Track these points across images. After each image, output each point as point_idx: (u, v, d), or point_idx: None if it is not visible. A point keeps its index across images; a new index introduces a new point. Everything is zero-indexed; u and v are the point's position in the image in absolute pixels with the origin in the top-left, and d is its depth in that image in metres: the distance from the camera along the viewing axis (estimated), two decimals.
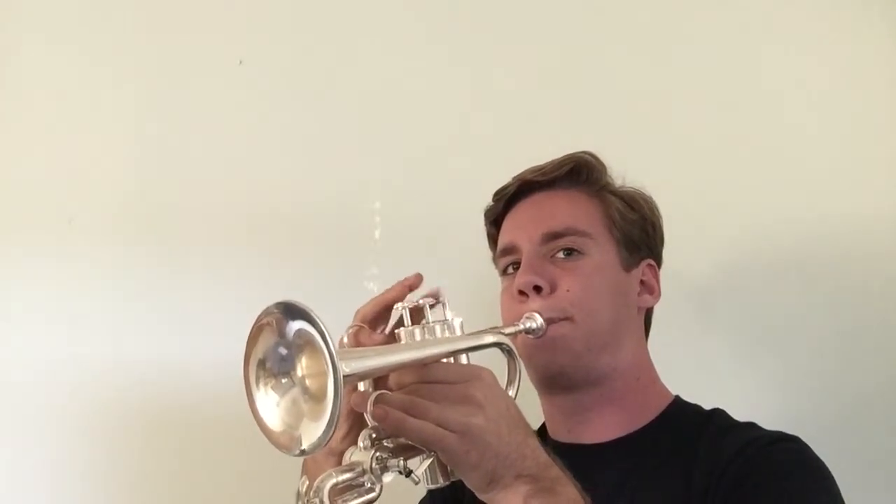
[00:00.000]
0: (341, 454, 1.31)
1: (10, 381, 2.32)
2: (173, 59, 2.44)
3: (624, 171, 1.77)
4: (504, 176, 1.79)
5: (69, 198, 2.39)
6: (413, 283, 1.47)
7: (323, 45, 2.40)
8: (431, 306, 1.40)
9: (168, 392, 2.28)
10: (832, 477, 1.49)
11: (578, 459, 1.43)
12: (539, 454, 1.31)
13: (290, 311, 1.13)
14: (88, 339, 2.32)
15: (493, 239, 1.82)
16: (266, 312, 1.16)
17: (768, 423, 1.60)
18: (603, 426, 1.66)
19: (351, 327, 1.44)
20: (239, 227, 2.35)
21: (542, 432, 1.74)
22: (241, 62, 2.40)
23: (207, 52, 2.44)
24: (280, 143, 2.39)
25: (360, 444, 1.25)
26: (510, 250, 1.72)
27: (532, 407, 1.68)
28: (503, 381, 1.42)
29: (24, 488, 2.28)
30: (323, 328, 1.10)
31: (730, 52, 2.23)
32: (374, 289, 2.28)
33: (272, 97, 2.41)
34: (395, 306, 1.40)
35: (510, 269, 1.72)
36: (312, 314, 1.11)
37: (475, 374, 1.31)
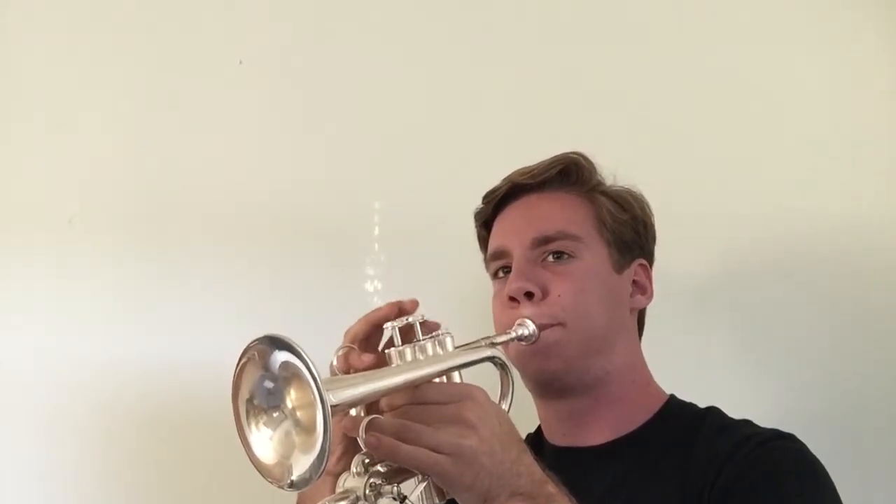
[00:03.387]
0: (336, 476, 1.31)
1: (8, 380, 2.32)
2: (173, 58, 2.43)
3: (617, 168, 1.77)
4: (502, 176, 1.78)
5: (69, 198, 2.38)
6: (407, 308, 1.44)
7: (323, 45, 2.39)
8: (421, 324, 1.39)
9: (167, 391, 2.28)
10: (828, 475, 1.50)
11: (575, 463, 1.45)
12: (534, 471, 1.31)
13: (274, 343, 1.13)
14: (87, 338, 2.32)
15: (483, 241, 1.83)
16: (248, 349, 1.15)
17: (763, 420, 1.61)
18: (598, 429, 1.66)
19: (340, 349, 1.42)
20: (238, 227, 2.35)
21: (539, 435, 1.76)
22: (241, 62, 2.40)
23: (207, 52, 2.43)
24: (280, 143, 2.39)
25: (354, 469, 1.25)
26: (500, 254, 1.71)
27: (527, 411, 1.70)
28: (496, 394, 1.42)
29: (21, 488, 2.29)
30: (308, 360, 1.10)
31: (727, 50, 2.22)
32: (372, 289, 2.29)
33: (272, 97, 2.41)
34: (385, 325, 1.39)
35: (501, 273, 1.72)
36: (296, 346, 1.11)
37: (467, 393, 1.31)
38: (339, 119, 2.37)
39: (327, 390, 1.09)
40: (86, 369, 2.30)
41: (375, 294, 2.29)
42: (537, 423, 1.78)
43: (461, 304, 2.01)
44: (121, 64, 2.44)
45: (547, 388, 1.66)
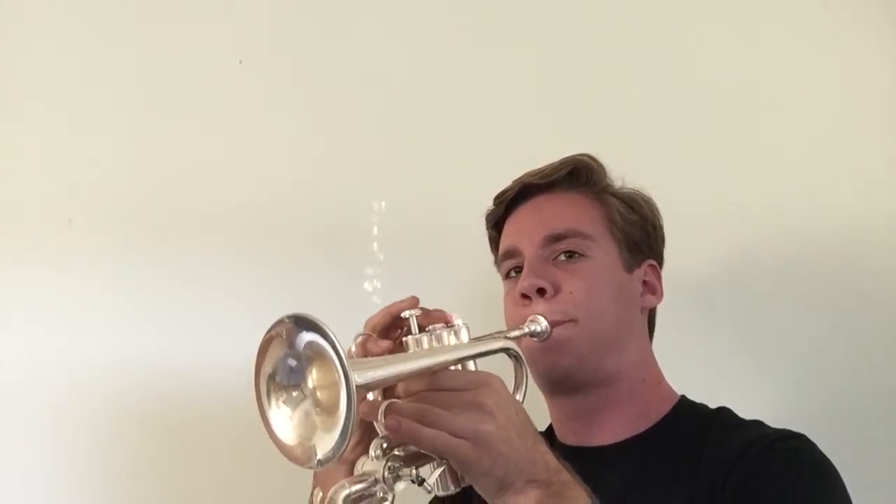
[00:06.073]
0: (353, 462, 1.32)
1: (8, 380, 2.30)
2: (173, 58, 2.43)
3: (624, 171, 1.77)
4: (505, 175, 1.80)
5: (69, 198, 2.38)
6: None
7: (323, 45, 2.39)
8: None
9: (167, 392, 2.28)
10: (838, 474, 1.51)
11: (586, 462, 1.45)
12: (549, 459, 1.32)
13: (301, 323, 1.14)
14: (88, 339, 2.31)
15: (494, 242, 1.83)
16: (275, 324, 1.16)
17: (774, 420, 1.61)
18: (609, 428, 1.67)
19: (359, 336, 1.44)
20: (238, 227, 2.34)
21: (550, 434, 1.76)
22: (241, 62, 2.40)
23: (207, 52, 2.43)
24: (280, 143, 2.39)
25: (372, 453, 1.26)
26: (512, 254, 1.72)
27: (539, 409, 1.70)
28: (510, 386, 1.42)
29: (21, 488, 2.28)
30: (335, 340, 1.11)
31: (730, 51, 2.24)
32: (371, 288, 2.29)
33: (272, 97, 2.41)
34: (403, 314, 1.40)
35: (512, 273, 1.72)
36: (324, 326, 1.12)
37: (484, 380, 1.32)
38: (338, 119, 2.38)
39: (352, 370, 1.09)
40: (86, 370, 2.29)
41: (375, 294, 2.29)
42: (547, 422, 1.78)
43: (461, 304, 1.99)
44: (121, 64, 2.43)
45: (558, 385, 1.67)
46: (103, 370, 2.29)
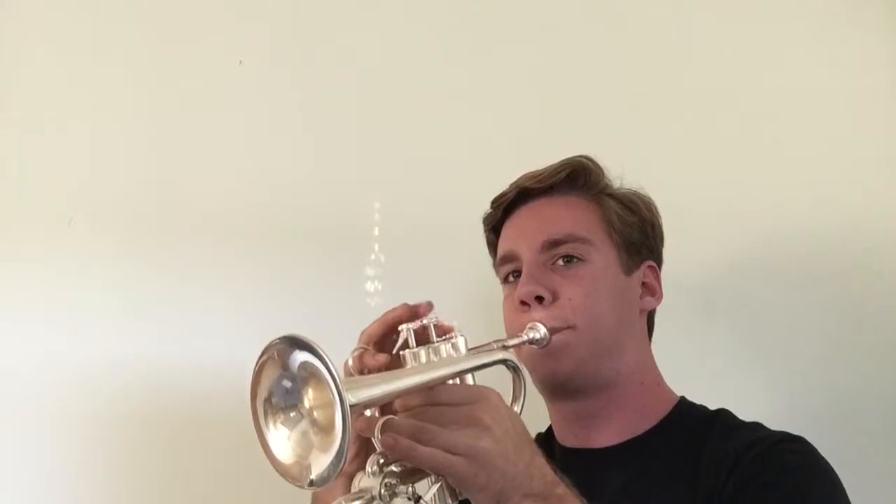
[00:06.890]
0: (350, 476, 1.32)
1: (8, 380, 2.31)
2: (173, 58, 2.43)
3: (623, 171, 1.77)
4: (504, 176, 1.79)
5: (69, 198, 2.38)
6: (421, 311, 1.45)
7: (323, 45, 2.39)
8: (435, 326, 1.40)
9: (167, 393, 2.28)
10: (837, 477, 1.50)
11: (586, 464, 1.46)
12: (546, 472, 1.32)
13: (294, 343, 1.13)
14: (87, 339, 2.31)
15: (492, 246, 1.82)
16: (268, 347, 1.16)
17: (773, 422, 1.61)
18: (609, 430, 1.67)
19: (356, 350, 1.43)
20: (238, 228, 2.34)
21: (550, 436, 1.76)
22: (241, 62, 2.40)
23: (207, 52, 2.43)
24: (280, 143, 2.38)
25: (369, 469, 1.26)
26: (510, 258, 1.72)
27: (538, 411, 1.71)
28: (508, 396, 1.42)
29: (21, 488, 2.28)
30: (328, 361, 1.11)
31: (729, 51, 2.23)
32: (372, 289, 2.29)
33: (272, 97, 2.41)
34: (400, 327, 1.40)
35: (511, 277, 1.72)
36: (316, 347, 1.12)
37: (481, 395, 1.31)
38: (339, 119, 2.37)
39: (346, 390, 1.09)
40: (86, 370, 2.29)
41: (375, 294, 2.29)
42: (547, 423, 1.78)
43: (461, 305, 2.01)
44: (121, 64, 2.43)
45: (558, 389, 1.67)
46: (103, 370, 2.29)
